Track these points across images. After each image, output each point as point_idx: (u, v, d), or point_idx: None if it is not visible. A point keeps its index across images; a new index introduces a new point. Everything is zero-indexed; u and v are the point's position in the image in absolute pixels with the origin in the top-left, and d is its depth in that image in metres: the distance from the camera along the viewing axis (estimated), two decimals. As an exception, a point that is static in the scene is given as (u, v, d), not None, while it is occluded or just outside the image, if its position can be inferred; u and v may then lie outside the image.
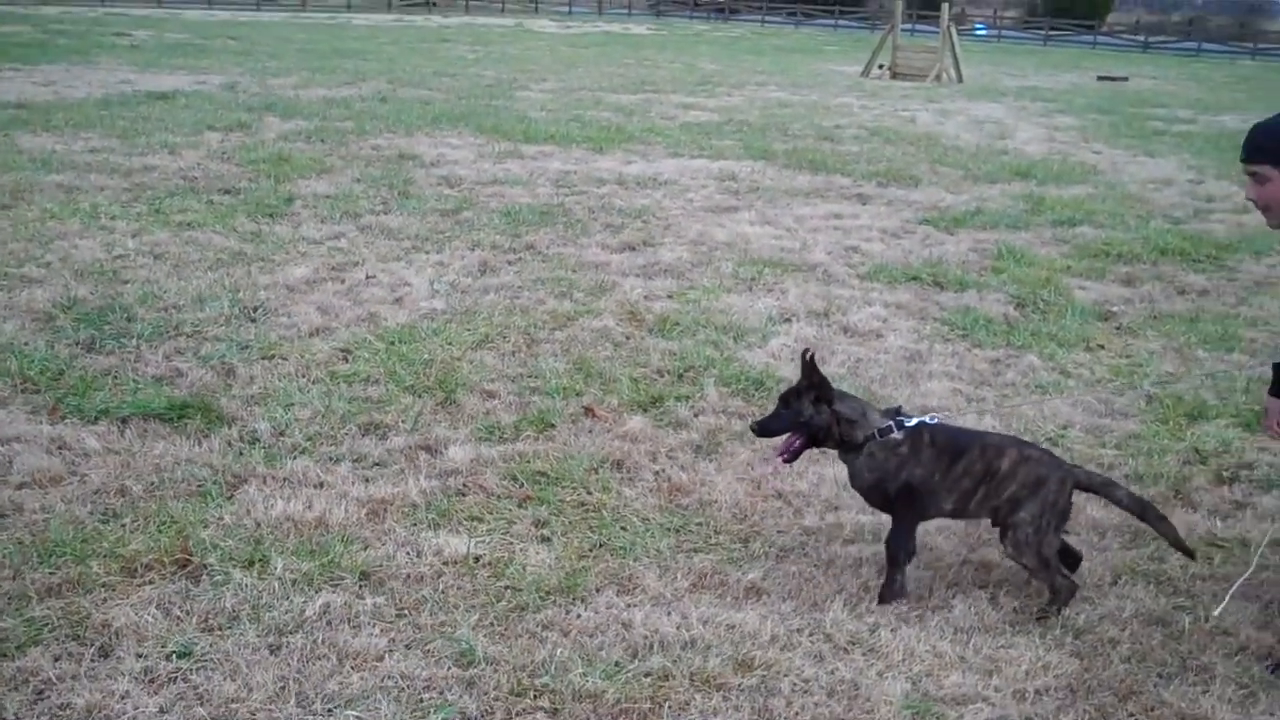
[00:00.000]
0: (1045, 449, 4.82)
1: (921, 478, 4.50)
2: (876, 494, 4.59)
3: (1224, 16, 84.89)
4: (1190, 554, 4.75)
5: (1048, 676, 4.09)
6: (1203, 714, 3.92)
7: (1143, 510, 4.67)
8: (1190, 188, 14.26)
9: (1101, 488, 4.71)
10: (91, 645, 3.97)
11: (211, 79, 21.41)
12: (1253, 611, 4.59)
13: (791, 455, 4.61)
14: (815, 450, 4.80)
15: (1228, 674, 4.15)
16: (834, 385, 4.59)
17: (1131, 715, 3.91)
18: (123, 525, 4.76)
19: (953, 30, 32.72)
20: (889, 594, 4.54)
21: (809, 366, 4.49)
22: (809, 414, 4.50)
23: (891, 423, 4.54)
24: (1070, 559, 4.76)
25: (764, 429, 4.65)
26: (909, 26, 38.62)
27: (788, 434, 4.60)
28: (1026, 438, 5.43)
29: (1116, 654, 4.25)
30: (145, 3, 55.54)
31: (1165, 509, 5.44)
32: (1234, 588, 4.60)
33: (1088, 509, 5.43)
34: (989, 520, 4.65)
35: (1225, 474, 5.85)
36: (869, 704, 3.88)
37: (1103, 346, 7.83)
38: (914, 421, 4.56)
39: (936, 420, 4.66)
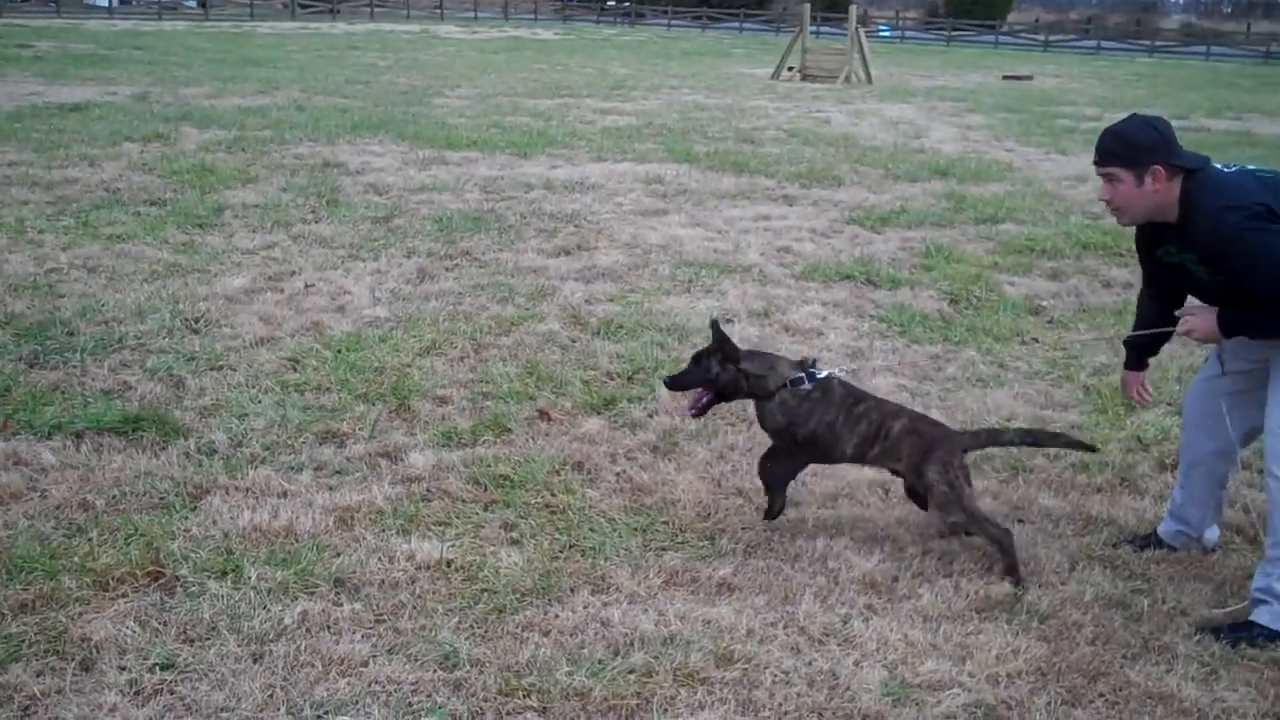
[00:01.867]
0: (936, 422, 5.14)
1: (829, 423, 4.86)
2: (785, 436, 4.96)
3: (1120, 15, 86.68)
4: (1092, 448, 5.37)
5: (1018, 660, 4.20)
6: (1169, 692, 4.06)
7: (1035, 438, 5.27)
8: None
9: (989, 441, 5.14)
10: (72, 660, 3.95)
11: (121, 89, 21.10)
12: (1207, 593, 4.75)
13: (699, 410, 5.06)
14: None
15: (1189, 653, 4.30)
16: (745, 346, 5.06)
17: (1101, 695, 4.04)
18: (89, 539, 4.73)
19: (861, 32, 33.10)
20: (771, 513, 5.07)
21: (715, 330, 4.98)
22: (715, 371, 4.95)
23: (803, 374, 4.89)
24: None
25: (674, 383, 5.13)
26: (814, 29, 38.96)
27: (698, 390, 5.03)
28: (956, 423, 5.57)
29: (1081, 637, 4.38)
30: (44, 13, 54.55)
31: (1113, 496, 5.65)
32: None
33: (1039, 499, 5.59)
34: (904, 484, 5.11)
35: (1168, 460, 6.02)
36: (849, 693, 3.97)
37: (1037, 340, 8.02)
38: (824, 374, 4.93)
39: (846, 373, 5.10)
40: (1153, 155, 4.29)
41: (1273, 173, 4.40)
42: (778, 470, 5.04)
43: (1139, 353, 5.12)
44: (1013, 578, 4.74)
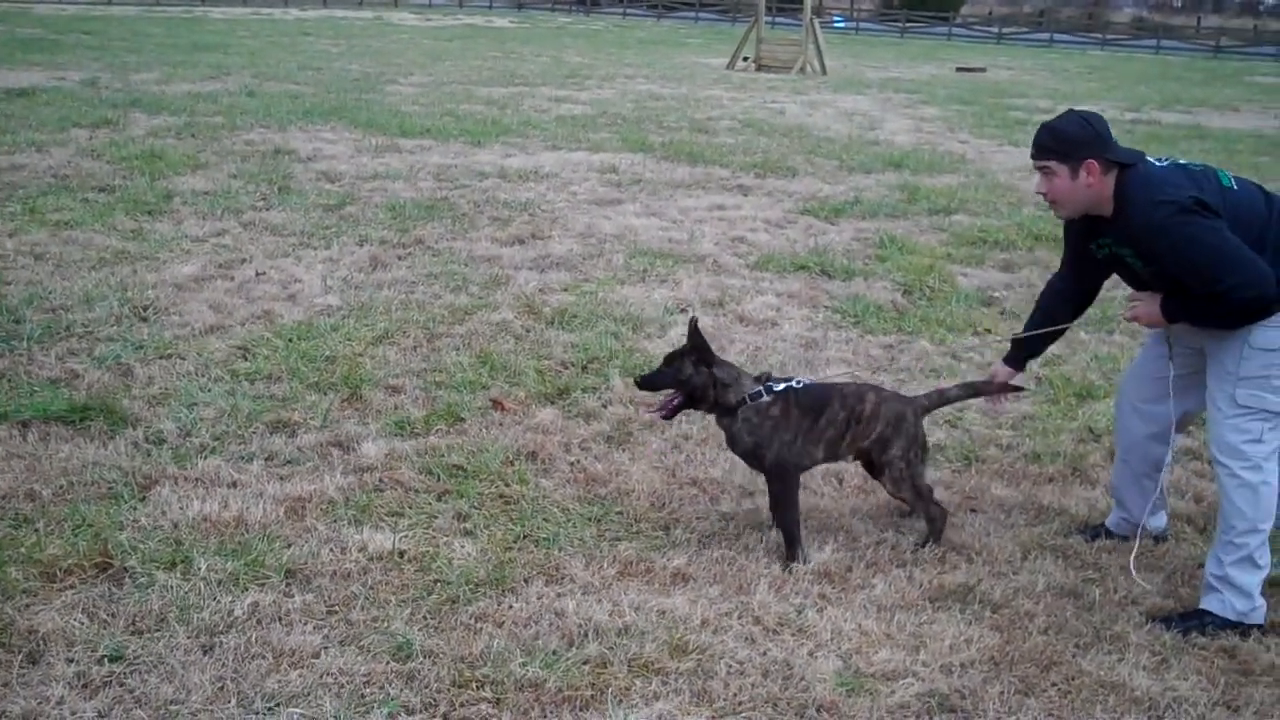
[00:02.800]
0: (896, 392, 5.26)
1: (789, 440, 4.80)
2: (754, 458, 4.91)
3: (1073, 8, 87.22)
4: (1019, 388, 5.38)
5: (971, 650, 4.22)
6: (1120, 681, 4.09)
7: (974, 389, 5.31)
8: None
9: (939, 401, 5.22)
10: (19, 652, 3.90)
11: (70, 75, 20.80)
12: (1158, 582, 4.78)
13: (669, 412, 4.95)
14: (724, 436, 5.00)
15: (1140, 642, 4.34)
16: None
17: (1054, 685, 4.06)
18: (36, 530, 4.66)
19: (815, 23, 33.14)
20: (797, 561, 4.80)
21: (693, 331, 4.83)
22: (689, 373, 4.83)
23: (762, 388, 4.84)
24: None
25: (646, 383, 5.00)
26: (769, 19, 38.98)
27: (669, 391, 4.92)
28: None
29: (1034, 626, 4.40)
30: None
31: (1064, 486, 5.69)
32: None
33: (991, 489, 5.61)
34: (859, 462, 5.16)
35: (1118, 451, 6.06)
36: (804, 682, 3.97)
37: (989, 330, 8.05)
38: (782, 386, 4.87)
39: (803, 384, 4.95)
40: (1087, 149, 4.38)
41: (1202, 166, 4.51)
42: (790, 514, 4.86)
43: (1027, 352, 5.14)
44: (921, 544, 4.98)
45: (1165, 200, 4.28)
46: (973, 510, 5.40)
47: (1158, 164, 4.46)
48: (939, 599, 4.58)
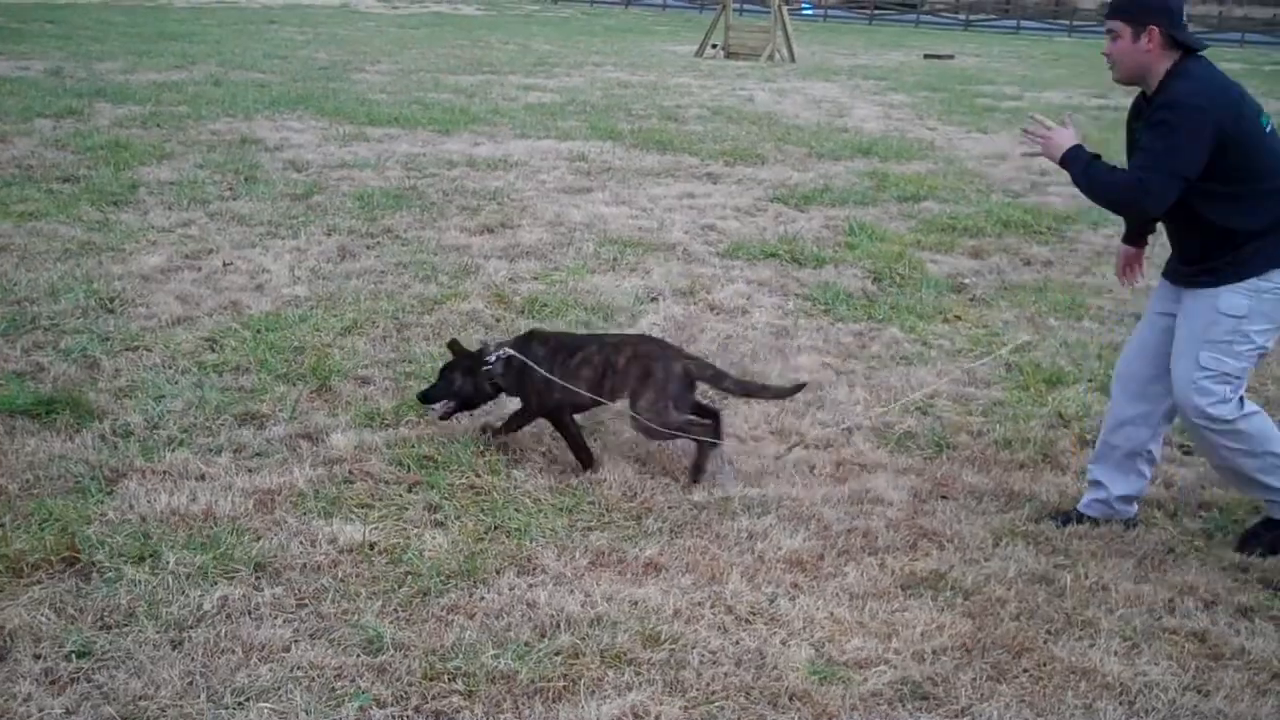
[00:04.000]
0: (661, 342, 5.81)
1: (544, 380, 5.42)
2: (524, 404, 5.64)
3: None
4: (799, 387, 5.84)
5: (943, 637, 4.23)
6: (1092, 666, 4.11)
7: (746, 390, 5.76)
8: (1025, 162, 14.62)
9: (711, 380, 5.56)
10: (-15, 649, 3.86)
11: (34, 64, 20.58)
12: (1128, 567, 4.80)
13: (445, 415, 5.68)
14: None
15: (1111, 628, 4.36)
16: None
17: (1026, 670, 4.08)
18: (2, 525, 4.62)
19: (784, 10, 33.11)
20: (582, 463, 5.49)
21: (451, 346, 5.68)
22: (459, 384, 5.59)
23: (487, 363, 5.54)
24: (708, 414, 5.62)
25: (425, 397, 5.72)
26: (737, 6, 38.99)
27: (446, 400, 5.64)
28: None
29: (1006, 613, 4.41)
30: (-49, -16, 53.16)
31: (1034, 472, 5.70)
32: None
33: (962, 476, 5.62)
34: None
35: (1088, 436, 6.07)
36: (776, 671, 3.98)
37: (959, 318, 8.06)
38: (494, 355, 5.54)
39: (507, 353, 5.55)
40: (1154, 17, 4.54)
41: (1258, 106, 4.63)
42: (565, 433, 5.56)
43: (1137, 229, 5.22)
44: (696, 472, 5.38)
45: (1194, 100, 4.45)
46: (944, 497, 5.41)
47: (1224, 76, 4.61)
48: (911, 586, 4.59)
